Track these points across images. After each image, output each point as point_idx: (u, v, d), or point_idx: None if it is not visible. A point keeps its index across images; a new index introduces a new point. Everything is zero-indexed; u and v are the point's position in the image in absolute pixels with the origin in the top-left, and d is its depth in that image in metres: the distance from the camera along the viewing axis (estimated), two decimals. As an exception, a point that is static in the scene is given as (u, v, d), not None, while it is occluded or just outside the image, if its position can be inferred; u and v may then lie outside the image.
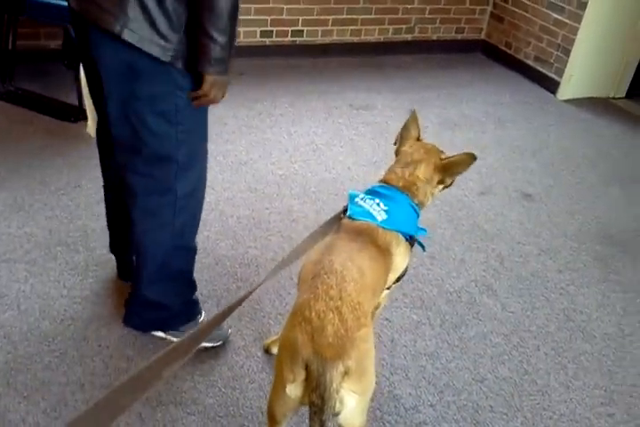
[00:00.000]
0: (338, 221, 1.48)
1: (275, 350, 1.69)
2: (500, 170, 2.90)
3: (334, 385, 1.13)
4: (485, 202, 2.65)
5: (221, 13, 1.33)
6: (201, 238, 2.18)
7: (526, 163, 2.98)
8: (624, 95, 3.81)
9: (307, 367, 1.14)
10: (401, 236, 1.48)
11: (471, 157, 1.54)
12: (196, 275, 2.01)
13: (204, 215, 2.28)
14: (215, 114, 2.98)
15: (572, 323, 2.07)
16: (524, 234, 2.48)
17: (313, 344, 1.14)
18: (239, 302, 1.19)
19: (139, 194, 1.56)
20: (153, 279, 1.68)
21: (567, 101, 3.69)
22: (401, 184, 1.53)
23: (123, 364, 1.69)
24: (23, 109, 2.85)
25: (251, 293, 1.23)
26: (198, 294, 1.94)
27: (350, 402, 1.17)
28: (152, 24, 1.32)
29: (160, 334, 1.78)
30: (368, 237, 1.42)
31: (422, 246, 1.59)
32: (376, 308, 1.63)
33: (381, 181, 1.57)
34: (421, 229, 1.59)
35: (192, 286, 1.81)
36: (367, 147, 2.96)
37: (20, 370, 1.63)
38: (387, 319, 1.98)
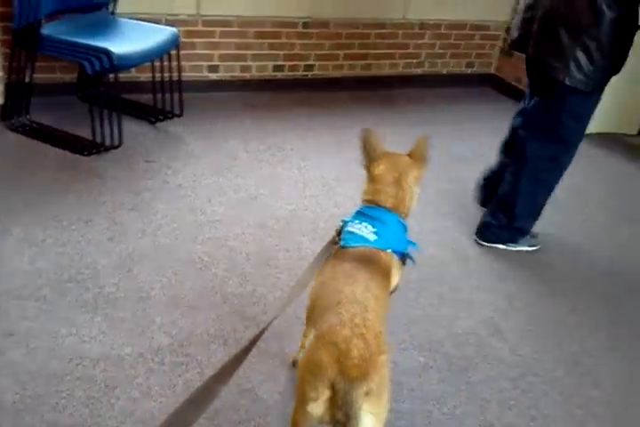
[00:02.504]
0: (332, 248, 1.56)
1: None
2: (509, 207, 2.90)
3: (358, 404, 1.21)
4: (494, 240, 2.65)
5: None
6: (209, 276, 2.21)
7: (535, 200, 2.99)
8: (636, 133, 3.82)
9: (332, 387, 1.23)
10: (395, 255, 1.56)
11: (424, 138, 1.70)
12: (202, 314, 2.04)
13: (212, 252, 2.33)
14: (226, 148, 3.08)
15: (580, 367, 2.05)
16: (532, 274, 2.47)
17: (339, 365, 1.23)
18: (258, 337, 1.36)
19: (529, 160, 2.40)
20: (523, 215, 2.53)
21: (577, 137, 3.71)
22: (390, 205, 1.59)
23: (130, 405, 1.69)
24: (38, 142, 2.92)
25: (266, 328, 1.40)
26: (205, 334, 1.96)
27: (368, 422, 1.24)
28: (584, 74, 2.16)
29: (501, 246, 2.56)
30: (375, 264, 1.50)
31: (412, 260, 1.65)
32: None
33: (369, 201, 1.62)
34: (411, 242, 1.66)
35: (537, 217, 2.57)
36: (376, 182, 2.98)
37: (27, 411, 1.64)
38: (393, 362, 1.96)
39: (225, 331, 1.99)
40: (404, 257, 1.61)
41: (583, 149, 3.55)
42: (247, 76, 3.73)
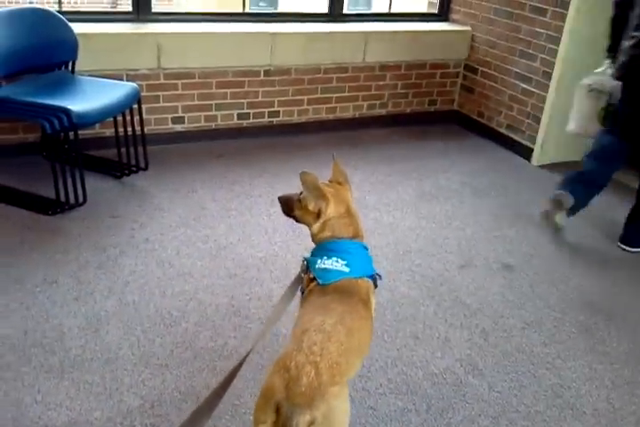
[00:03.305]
0: (299, 285, 1.63)
1: None
2: (480, 241, 2.92)
3: None
4: (466, 275, 2.65)
5: None
6: (179, 331, 2.17)
7: (505, 232, 3.02)
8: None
9: (278, 411, 1.27)
10: (370, 281, 1.61)
11: (336, 161, 1.78)
12: (172, 371, 1.99)
13: (181, 306, 2.30)
14: (194, 199, 3.08)
15: (560, 400, 2.02)
16: (506, 307, 2.46)
17: (287, 390, 1.26)
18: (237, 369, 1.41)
19: None
20: None
21: (542, 167, 3.79)
22: (350, 234, 1.65)
23: (96, 475, 1.62)
24: (0, 204, 2.89)
25: (241, 363, 1.44)
26: (177, 392, 1.90)
27: None
28: None
29: None
30: (355, 296, 1.54)
31: (380, 276, 1.69)
32: None
33: (330, 237, 1.66)
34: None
35: None
36: (346, 223, 2.99)
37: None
38: (371, 408, 1.93)
39: (197, 388, 1.94)
40: (374, 278, 1.66)
41: (547, 178, 3.67)
42: (212, 125, 3.77)
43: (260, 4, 10.63)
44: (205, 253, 2.64)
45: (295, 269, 2.58)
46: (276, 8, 10.47)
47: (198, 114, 3.71)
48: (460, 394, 2.01)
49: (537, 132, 3.79)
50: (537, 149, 3.80)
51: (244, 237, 2.78)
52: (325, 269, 1.58)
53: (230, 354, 2.08)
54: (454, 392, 2.01)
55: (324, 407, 1.26)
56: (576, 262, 2.81)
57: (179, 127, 3.69)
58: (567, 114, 3.72)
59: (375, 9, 9.93)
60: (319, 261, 1.61)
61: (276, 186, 3.29)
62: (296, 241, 2.80)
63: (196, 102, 3.69)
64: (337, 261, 1.58)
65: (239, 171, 3.41)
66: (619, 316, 2.46)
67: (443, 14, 4.48)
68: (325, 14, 4.14)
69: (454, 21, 4.42)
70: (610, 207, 3.34)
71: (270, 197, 3.16)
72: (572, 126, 3.15)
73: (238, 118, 3.83)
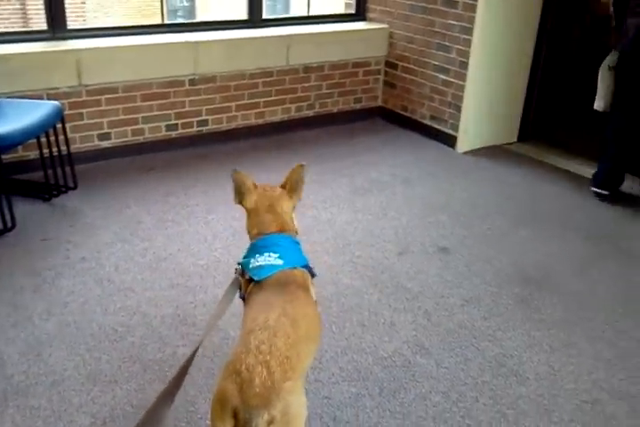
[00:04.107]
0: (237, 286, 1.63)
1: None
2: (415, 228, 3.02)
3: None
4: (405, 261, 2.73)
5: None
6: (125, 346, 2.15)
7: (438, 217, 3.13)
8: (516, 140, 4.11)
9: (236, 416, 1.25)
10: (305, 270, 1.65)
11: (300, 167, 1.74)
12: (123, 386, 1.97)
13: (125, 321, 2.27)
14: (128, 214, 3.05)
15: (504, 368, 2.12)
16: (445, 287, 2.56)
17: (241, 394, 1.25)
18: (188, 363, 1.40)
19: None
20: None
21: (466, 153, 3.95)
22: (276, 228, 1.68)
23: None
24: None
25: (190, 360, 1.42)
26: (128, 406, 1.88)
27: None
28: None
29: None
30: (292, 284, 1.56)
31: (314, 273, 1.72)
32: None
33: (257, 234, 1.70)
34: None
35: None
36: (285, 223, 3.02)
37: None
38: (326, 397, 1.96)
39: (149, 400, 1.91)
40: (309, 268, 1.69)
41: (472, 163, 3.82)
42: (140, 139, 3.73)
43: (179, 15, 10.57)
44: (145, 266, 2.61)
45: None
46: (194, 19, 10.42)
47: (125, 128, 3.67)
48: (410, 374, 2.07)
49: (459, 121, 3.94)
50: (460, 136, 3.95)
51: (183, 246, 2.77)
52: (259, 267, 1.59)
53: (180, 363, 2.06)
54: (404, 373, 2.08)
55: (280, 405, 1.26)
56: (507, 239, 2.95)
57: (106, 143, 3.64)
58: (485, 101, 3.92)
59: (294, 14, 10.02)
60: (252, 260, 1.62)
61: (212, 193, 3.29)
62: (237, 245, 2.80)
63: (122, 117, 3.64)
64: (269, 256, 1.60)
65: (172, 182, 3.39)
66: (550, 285, 2.60)
67: (360, 14, 4.59)
68: (245, 20, 4.16)
69: (372, 20, 4.54)
70: (533, 186, 3.52)
71: (207, 206, 3.16)
72: (599, 104, 3.32)
73: (167, 130, 3.80)
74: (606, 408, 1.96)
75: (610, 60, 3.23)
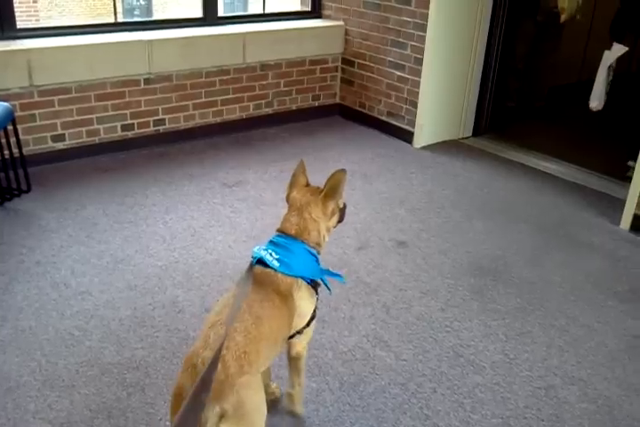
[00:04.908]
0: (250, 274, 1.57)
1: None
2: (374, 223, 3.05)
3: (208, 425, 1.23)
4: (364, 256, 2.77)
5: None
6: (82, 350, 2.12)
7: (396, 212, 3.17)
8: (471, 134, 4.19)
9: None
10: (301, 279, 1.60)
11: (340, 173, 1.64)
12: (80, 390, 1.95)
13: (82, 324, 2.24)
14: (84, 216, 3.00)
15: (461, 358, 2.17)
16: (404, 280, 2.60)
17: (194, 387, 1.24)
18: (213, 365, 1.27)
19: None
20: None
21: (423, 148, 4.01)
22: (294, 232, 1.63)
23: None
24: None
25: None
26: (87, 410, 1.86)
27: None
28: None
29: None
30: (270, 286, 1.55)
31: (328, 288, 1.71)
32: (298, 359, 1.74)
33: (278, 230, 1.67)
34: (334, 273, 1.75)
35: None
36: (245, 222, 3.02)
37: None
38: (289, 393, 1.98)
39: (107, 403, 1.91)
40: (314, 283, 1.65)
41: (429, 158, 3.88)
42: (96, 140, 3.67)
43: (135, 14, 10.40)
44: (102, 268, 2.58)
45: (198, 272, 2.62)
46: (150, 18, 10.27)
47: (79, 129, 3.60)
48: (370, 367, 2.11)
49: (415, 117, 4.00)
50: (417, 132, 4.01)
51: (141, 247, 2.75)
52: (259, 255, 1.59)
53: (139, 365, 2.06)
54: (364, 366, 2.11)
55: (233, 399, 1.27)
56: (462, 232, 3.01)
57: (60, 145, 3.56)
58: (440, 96, 3.99)
59: (251, 11, 9.98)
60: (262, 250, 1.61)
61: (170, 193, 3.26)
62: (196, 245, 2.80)
63: (76, 118, 3.58)
64: (270, 254, 1.59)
65: (129, 183, 3.35)
66: (505, 275, 2.67)
67: (315, 11, 4.60)
68: (200, 18, 4.13)
69: (327, 17, 4.56)
70: (488, 180, 3.60)
71: (165, 206, 3.14)
72: (593, 103, 3.33)
73: (122, 130, 3.75)
74: (559, 393, 2.03)
75: (611, 57, 3.25)
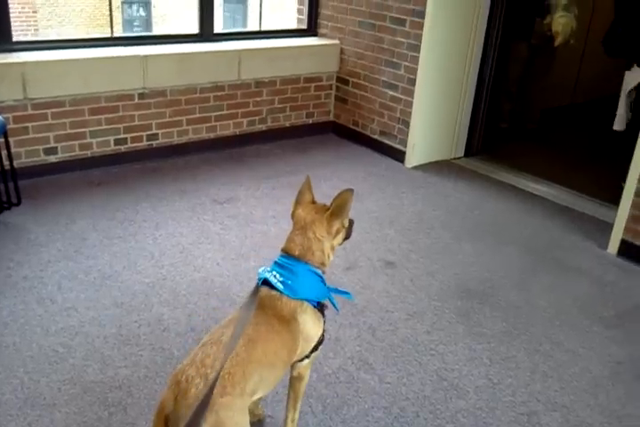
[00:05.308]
0: (254, 298, 1.55)
1: None
2: (363, 243, 3.06)
3: None
4: (352, 276, 2.77)
5: None
6: (66, 368, 2.11)
7: (385, 232, 3.19)
8: (463, 155, 4.23)
9: (167, 425, 1.30)
10: (306, 303, 1.58)
11: (347, 192, 1.63)
12: (62, 409, 1.93)
13: (67, 341, 2.23)
14: (74, 230, 3.00)
15: (445, 382, 2.17)
16: (391, 302, 2.60)
17: (175, 404, 1.29)
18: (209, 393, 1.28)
19: None
20: None
21: (415, 168, 4.04)
22: (297, 253, 1.60)
23: None
24: None
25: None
26: (66, 430, 1.85)
27: None
28: None
29: None
30: (271, 310, 1.53)
31: (336, 308, 1.70)
32: (299, 380, 1.72)
33: (282, 250, 1.65)
34: (341, 291, 1.75)
35: None
36: (235, 239, 3.03)
37: None
38: (269, 416, 1.97)
39: (88, 422, 1.90)
40: (321, 307, 1.64)
41: (420, 178, 3.90)
42: (88, 153, 3.68)
43: (135, 25, 10.49)
44: (89, 284, 2.57)
45: (186, 290, 2.62)
46: (150, 32, 10.38)
47: (72, 143, 3.61)
48: (353, 390, 2.10)
49: (407, 136, 4.03)
50: (409, 151, 4.04)
51: (129, 264, 2.74)
52: (264, 276, 1.58)
53: (122, 384, 2.05)
54: (347, 389, 2.10)
55: (212, 419, 1.27)
56: (451, 253, 3.02)
57: (52, 158, 3.57)
58: (433, 116, 4.02)
59: (247, 28, 10.09)
60: (267, 271, 1.60)
61: (161, 209, 3.27)
62: (185, 262, 2.80)
63: (69, 131, 3.59)
64: (275, 276, 1.57)
65: (121, 198, 3.35)
66: (491, 298, 2.67)
67: (311, 30, 4.65)
68: (196, 35, 4.17)
69: (323, 36, 4.61)
70: (478, 201, 3.62)
71: (155, 222, 3.14)
72: (616, 126, 3.40)
73: (115, 144, 3.76)
74: (541, 420, 2.03)
75: (632, 81, 3.30)
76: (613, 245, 3.12)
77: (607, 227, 3.21)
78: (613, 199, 3.43)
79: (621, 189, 3.09)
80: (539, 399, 2.12)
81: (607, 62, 4.59)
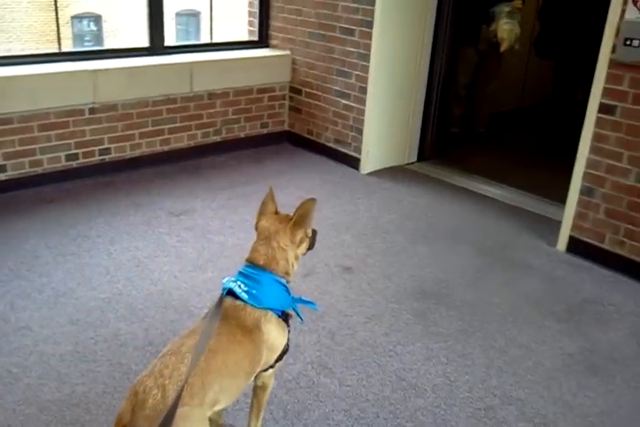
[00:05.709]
0: (219, 309, 1.55)
1: None
2: (320, 249, 3.07)
3: None
4: (311, 282, 2.79)
5: None
6: (20, 388, 2.07)
7: (342, 237, 3.22)
8: (416, 160, 4.32)
9: None
10: (270, 312, 1.59)
11: (310, 202, 1.65)
12: (15, 430, 1.89)
13: (21, 361, 2.19)
14: (25, 249, 2.94)
15: (404, 382, 2.21)
16: (349, 306, 2.64)
17: (132, 414, 1.30)
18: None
19: None
20: None
21: (369, 174, 4.10)
22: (262, 262, 1.62)
23: None
24: None
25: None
26: (21, 451, 1.81)
27: None
28: None
29: None
30: (234, 320, 1.54)
31: (300, 318, 1.71)
32: (262, 390, 1.74)
33: (247, 260, 1.66)
34: (306, 301, 1.76)
35: None
36: (192, 251, 3.02)
37: None
38: (230, 424, 1.97)
39: (44, 443, 1.86)
40: (286, 316, 1.65)
41: (375, 184, 3.96)
42: (39, 170, 3.61)
43: (86, 39, 10.37)
44: (43, 302, 2.52)
45: (142, 304, 2.59)
46: (102, 47, 10.27)
47: (21, 160, 3.54)
48: (314, 395, 2.12)
49: (361, 143, 4.10)
50: (363, 158, 4.11)
51: (83, 280, 2.70)
52: (228, 286, 1.59)
53: (79, 401, 2.02)
54: (308, 394, 2.12)
55: None
56: (407, 256, 3.08)
57: (2, 176, 3.49)
58: (385, 123, 4.10)
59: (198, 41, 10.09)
60: (231, 281, 1.60)
61: (115, 224, 3.23)
62: (141, 276, 2.77)
63: (18, 148, 3.52)
64: (239, 286, 1.58)
65: (74, 214, 3.30)
66: (447, 298, 2.74)
67: (262, 41, 4.69)
68: (147, 48, 4.15)
69: (274, 47, 4.65)
70: (432, 204, 3.71)
71: (109, 236, 3.10)
72: None
73: (67, 160, 3.70)
74: (498, 414, 2.09)
75: None
76: (562, 242, 3.23)
77: (556, 225, 3.33)
78: (561, 198, 3.56)
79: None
80: (495, 394, 2.17)
81: (551, 66, 4.80)
